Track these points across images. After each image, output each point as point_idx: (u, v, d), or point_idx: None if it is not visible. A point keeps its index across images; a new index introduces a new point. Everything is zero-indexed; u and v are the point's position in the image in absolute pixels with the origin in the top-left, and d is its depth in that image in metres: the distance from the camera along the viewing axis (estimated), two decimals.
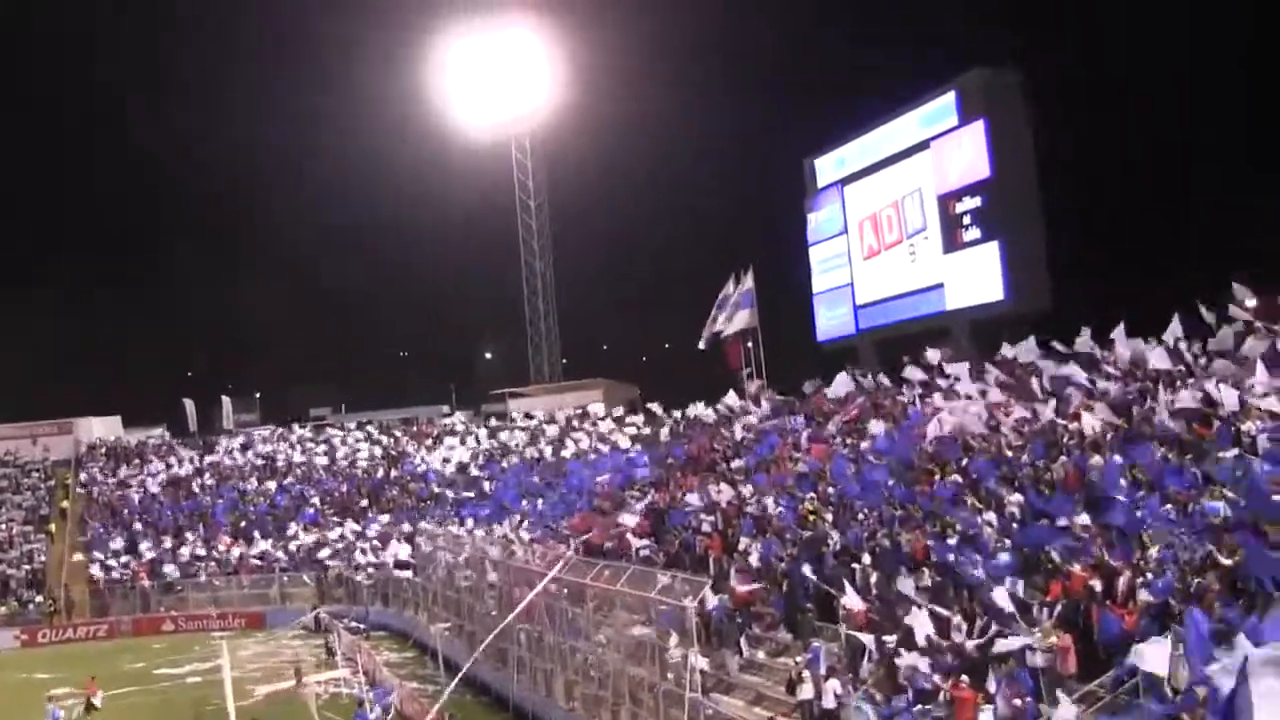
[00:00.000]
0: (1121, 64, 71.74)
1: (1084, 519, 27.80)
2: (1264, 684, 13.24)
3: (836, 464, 43.06)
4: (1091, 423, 34.84)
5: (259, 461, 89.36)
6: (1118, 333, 42.70)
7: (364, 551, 70.82)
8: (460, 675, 42.89)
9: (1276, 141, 62.08)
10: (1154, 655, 20.37)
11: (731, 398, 66.35)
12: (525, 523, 58.90)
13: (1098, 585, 24.35)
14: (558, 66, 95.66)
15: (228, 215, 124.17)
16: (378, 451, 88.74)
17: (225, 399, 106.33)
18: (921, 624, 26.21)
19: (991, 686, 23.05)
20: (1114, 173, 66.89)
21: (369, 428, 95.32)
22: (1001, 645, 24.13)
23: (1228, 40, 66.56)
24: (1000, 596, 25.34)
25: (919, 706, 24.21)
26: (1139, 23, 72.59)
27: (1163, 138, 66.22)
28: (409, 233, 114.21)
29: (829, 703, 27.05)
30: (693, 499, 47.36)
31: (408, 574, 63.18)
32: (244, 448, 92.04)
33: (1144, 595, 23.02)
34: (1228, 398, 31.66)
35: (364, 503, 79.51)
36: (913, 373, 53.44)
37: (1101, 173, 66.77)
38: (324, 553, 72.34)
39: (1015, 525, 29.81)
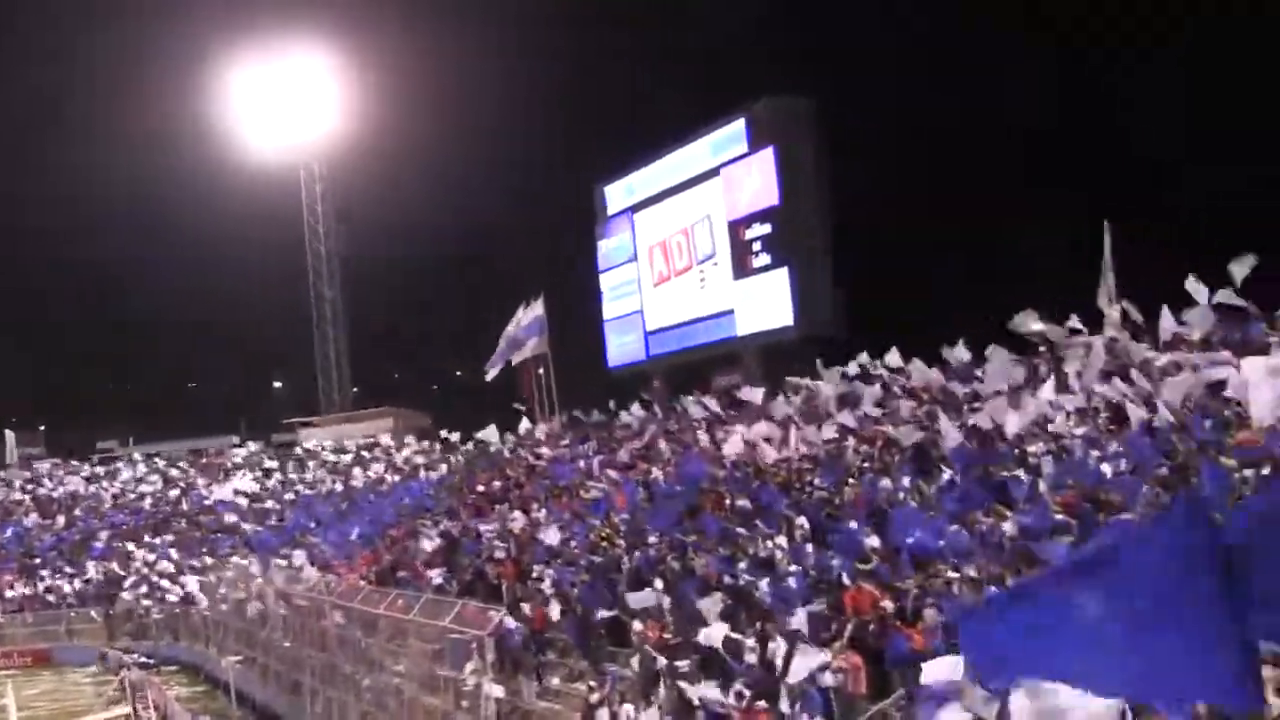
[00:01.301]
0: (910, 92, 72.85)
1: (873, 541, 28.13)
2: None
3: (628, 490, 43.21)
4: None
5: (44, 495, 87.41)
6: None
7: (153, 585, 69.53)
8: None
9: (1063, 170, 63.37)
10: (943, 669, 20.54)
11: (525, 425, 66.36)
12: (316, 553, 58.30)
13: (888, 605, 24.61)
14: (347, 92, 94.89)
15: (6, 244, 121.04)
16: (166, 483, 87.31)
17: (8, 433, 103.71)
18: (714, 647, 26.28)
19: (785, 709, 23.13)
20: (901, 199, 67.85)
21: (157, 460, 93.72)
22: (795, 666, 24.23)
23: (1011, 69, 67.87)
24: (793, 619, 25.48)
25: None
26: (925, 52, 73.87)
27: (949, 165, 67.35)
28: (196, 260, 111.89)
29: None
30: (486, 526, 47.29)
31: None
32: (28, 481, 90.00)
33: (933, 615, 23.29)
34: (1011, 420, 32.28)
35: (153, 536, 78.04)
36: (705, 401, 53.94)
37: (889, 199, 67.70)
38: (112, 588, 70.94)
39: (806, 548, 30.03)
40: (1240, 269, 34.01)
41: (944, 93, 70.38)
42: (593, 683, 29.65)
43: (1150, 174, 58.82)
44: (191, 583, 65.02)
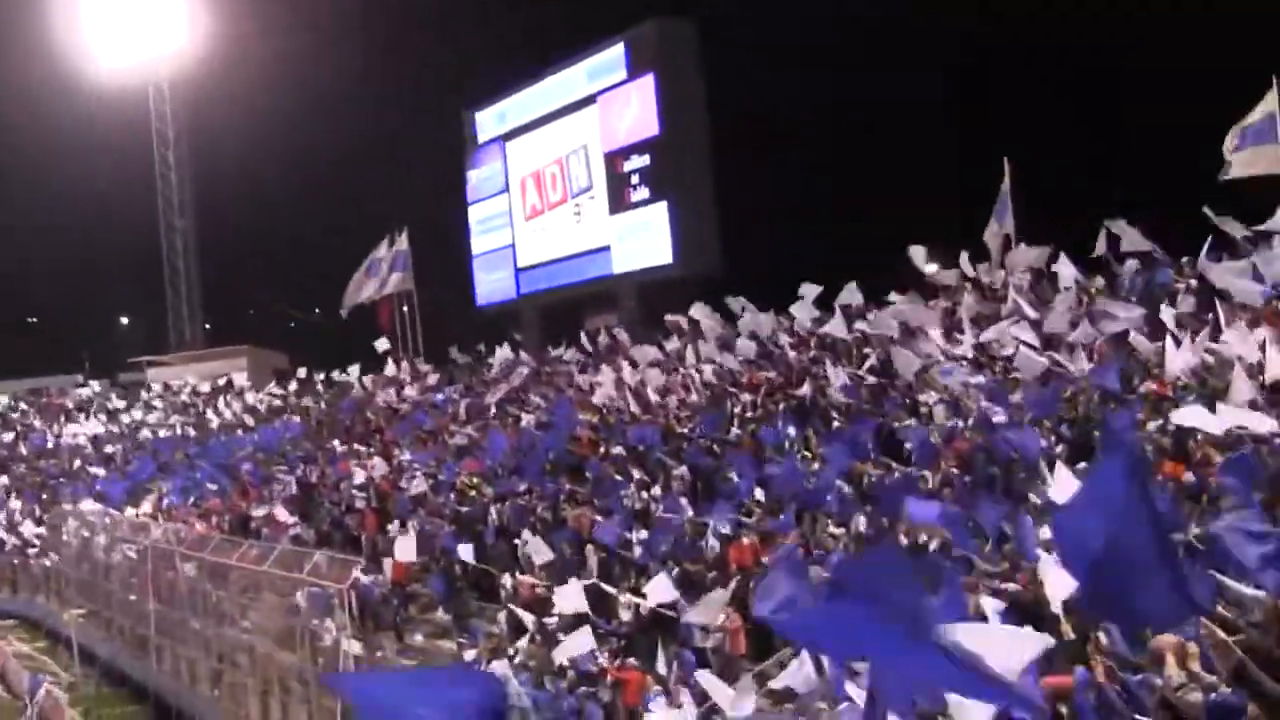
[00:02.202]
0: (800, 18, 72.09)
1: (757, 493, 28.11)
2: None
3: (494, 437, 43.00)
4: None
5: None
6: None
7: None
8: None
9: (971, 106, 63.00)
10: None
11: (389, 366, 65.77)
12: (165, 500, 57.70)
13: (769, 562, 24.56)
14: (199, 7, 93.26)
15: None
16: (4, 425, 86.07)
17: None
18: (585, 603, 26.15)
19: (661, 668, 23.03)
20: (791, 131, 67.21)
21: None
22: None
23: None
24: (663, 577, 25.41)
25: (582, 689, 24.11)
26: None
27: (844, 94, 66.77)
28: (33, 187, 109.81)
29: None
30: (343, 473, 47.06)
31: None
32: None
33: (818, 572, 23.23)
34: (904, 366, 32.28)
35: None
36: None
37: (776, 132, 67.06)
38: None
39: (683, 499, 29.97)
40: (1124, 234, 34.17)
41: (839, 15, 69.74)
42: (462, 639, 29.55)
43: (1060, 119, 58.66)
44: (31, 531, 64.04)
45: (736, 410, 35.97)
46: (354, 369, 68.35)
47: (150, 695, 42.96)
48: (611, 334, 53.11)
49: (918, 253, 40.88)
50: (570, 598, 26.01)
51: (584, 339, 54.64)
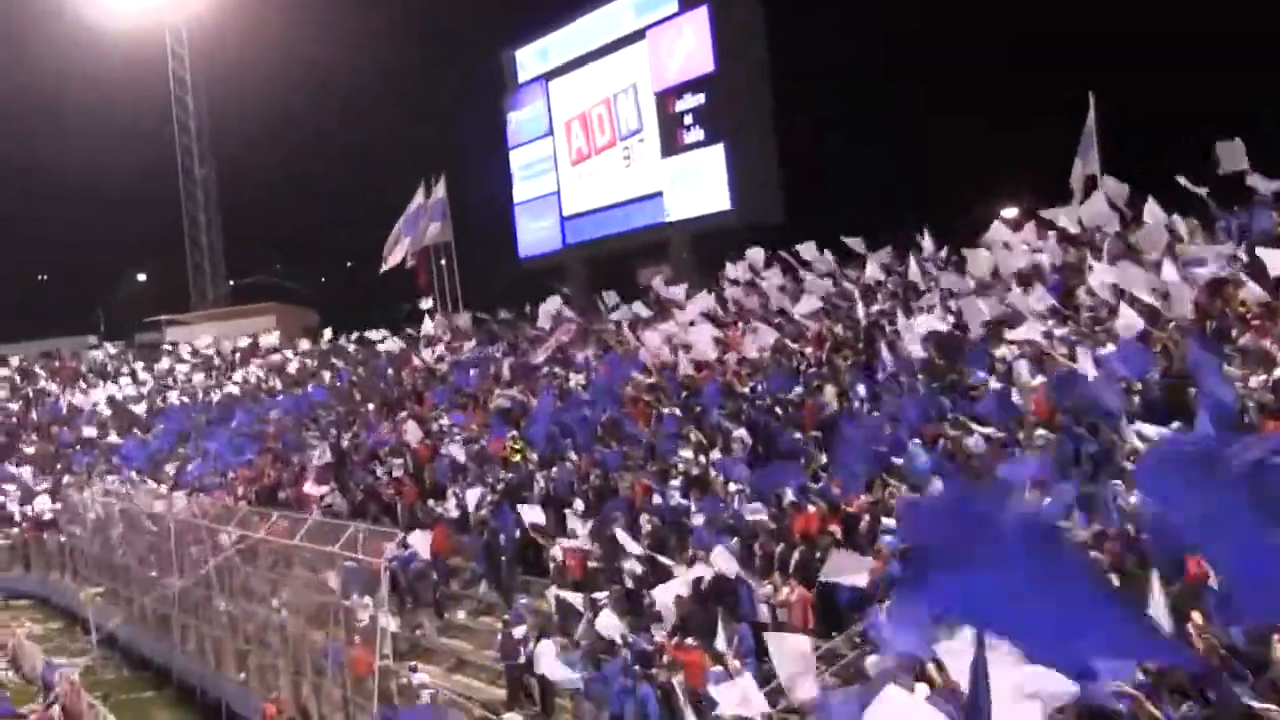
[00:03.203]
0: None
1: (822, 457, 28.01)
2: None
3: (542, 397, 42.94)
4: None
5: None
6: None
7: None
8: None
9: (1046, 42, 62.35)
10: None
11: (426, 324, 65.75)
12: (188, 470, 57.83)
13: (837, 531, 24.49)
14: None
15: None
16: (14, 390, 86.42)
17: None
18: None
19: (721, 646, 22.98)
20: (856, 69, 66.64)
21: (2, 365, 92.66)
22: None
23: None
24: (726, 548, 25.35)
25: (638, 668, 24.10)
26: None
27: (912, 30, 66.14)
28: (45, 138, 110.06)
29: (541, 668, 26.80)
30: (380, 439, 47.14)
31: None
32: None
33: (887, 541, 23.12)
34: (973, 318, 31.97)
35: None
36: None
37: (842, 68, 66.50)
38: None
39: (744, 465, 29.84)
40: (1230, 154, 33.72)
41: None
42: (508, 617, 29.54)
43: (1142, 49, 57.91)
44: (45, 504, 64.27)
45: (800, 367, 35.83)
46: (383, 335, 68.49)
47: (173, 678, 43.22)
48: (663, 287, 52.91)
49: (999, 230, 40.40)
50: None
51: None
